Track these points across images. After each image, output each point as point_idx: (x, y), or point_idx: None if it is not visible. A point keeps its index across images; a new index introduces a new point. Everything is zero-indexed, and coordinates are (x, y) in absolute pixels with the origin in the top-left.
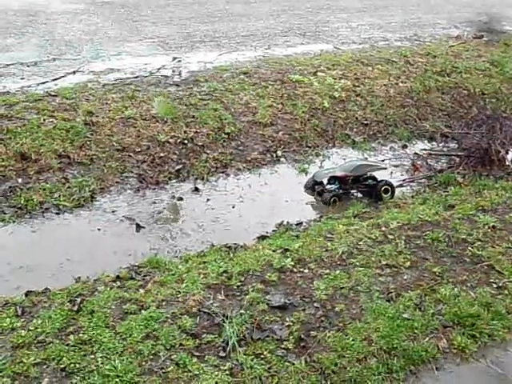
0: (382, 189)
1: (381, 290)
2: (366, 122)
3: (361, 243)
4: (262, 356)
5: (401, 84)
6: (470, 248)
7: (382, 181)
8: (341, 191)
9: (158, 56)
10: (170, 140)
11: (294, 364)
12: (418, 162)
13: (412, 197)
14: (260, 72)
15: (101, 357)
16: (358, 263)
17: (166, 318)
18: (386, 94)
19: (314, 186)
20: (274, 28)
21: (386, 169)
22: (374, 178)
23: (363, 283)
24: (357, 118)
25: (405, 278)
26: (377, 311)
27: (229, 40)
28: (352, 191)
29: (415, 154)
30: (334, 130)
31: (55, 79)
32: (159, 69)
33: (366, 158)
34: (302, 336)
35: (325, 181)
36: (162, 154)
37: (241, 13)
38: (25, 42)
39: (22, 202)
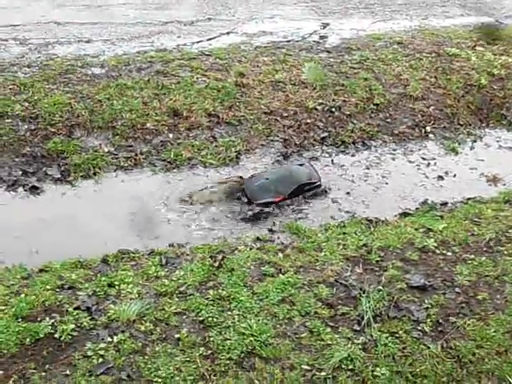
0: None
1: None
2: None
3: (510, 231)
4: (397, 335)
5: None
6: None
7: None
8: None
9: (311, 21)
10: (318, 107)
11: (429, 348)
12: None
13: None
14: (415, 43)
15: (237, 314)
16: (506, 252)
17: (303, 284)
18: None
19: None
20: None
21: (320, 186)
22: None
23: (510, 273)
24: None
25: None
26: None
27: (384, 7)
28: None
29: None
30: (489, 109)
31: (210, 39)
32: (311, 34)
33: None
34: (440, 320)
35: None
36: (308, 121)
37: None
38: (183, 1)
39: (172, 156)
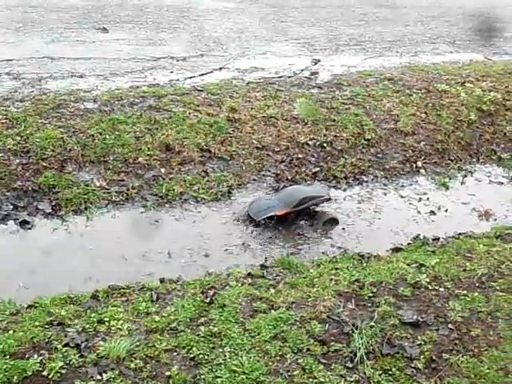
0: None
1: None
2: None
3: (503, 266)
4: (391, 372)
5: None
6: None
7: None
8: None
9: (302, 57)
10: (309, 142)
11: None
12: None
13: None
14: (405, 79)
15: (229, 351)
16: (498, 287)
17: (295, 320)
18: None
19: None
20: (422, 34)
21: (330, 199)
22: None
23: (503, 309)
24: (505, 134)
25: None
26: None
27: (374, 45)
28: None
29: None
30: (479, 145)
31: (202, 74)
32: (303, 70)
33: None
34: (434, 357)
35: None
36: (300, 156)
37: (388, 17)
38: (176, 37)
39: (164, 191)
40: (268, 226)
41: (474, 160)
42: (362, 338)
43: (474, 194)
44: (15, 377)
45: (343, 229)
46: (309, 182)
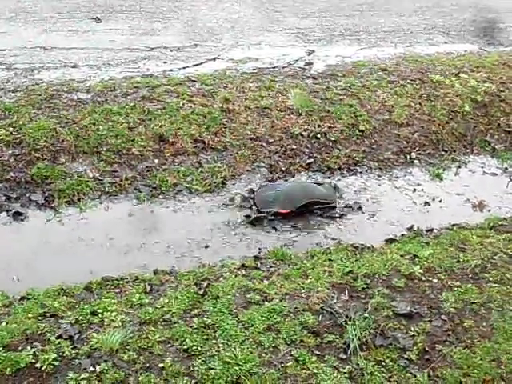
0: None
1: None
2: (509, 130)
3: (496, 257)
4: (384, 363)
5: None
6: None
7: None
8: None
9: (296, 47)
10: (303, 133)
11: (415, 376)
12: None
13: None
14: (399, 70)
15: (222, 343)
16: (491, 278)
17: (289, 312)
18: None
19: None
20: (417, 25)
21: (335, 207)
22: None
23: (496, 300)
24: (499, 125)
25: None
26: (509, 332)
27: (368, 35)
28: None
29: None
30: (473, 136)
31: (196, 65)
32: (297, 60)
33: (320, 184)
34: (427, 348)
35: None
36: (294, 147)
37: (383, 8)
38: (169, 27)
39: (157, 182)
40: (261, 218)
41: (468, 151)
42: (355, 330)
43: (467, 185)
44: (8, 369)
45: (338, 219)
46: (319, 180)
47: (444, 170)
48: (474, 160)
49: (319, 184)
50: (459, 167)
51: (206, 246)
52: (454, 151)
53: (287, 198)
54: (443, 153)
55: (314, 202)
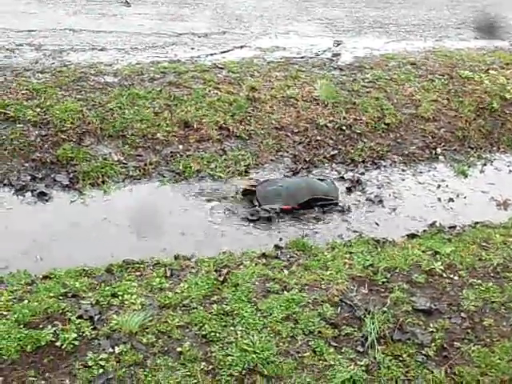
0: None
1: None
2: None
3: None
4: (401, 358)
5: None
6: None
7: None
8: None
9: (324, 38)
10: (329, 124)
11: (432, 372)
12: None
13: None
14: (428, 64)
15: (240, 330)
16: None
17: (308, 302)
18: None
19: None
20: (447, 19)
21: (337, 204)
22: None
23: None
24: None
25: None
26: None
27: (398, 28)
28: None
29: None
30: (500, 133)
31: (223, 52)
32: (325, 51)
33: (322, 180)
34: (445, 345)
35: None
36: (318, 138)
37: (413, 1)
38: (198, 13)
39: (181, 167)
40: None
41: (494, 149)
42: (373, 323)
43: (493, 183)
44: (29, 346)
45: (359, 212)
46: (323, 176)
47: (469, 166)
48: (500, 158)
49: (321, 180)
50: (485, 165)
51: (222, 234)
52: (480, 148)
53: (289, 193)
54: (469, 149)
55: (316, 199)
